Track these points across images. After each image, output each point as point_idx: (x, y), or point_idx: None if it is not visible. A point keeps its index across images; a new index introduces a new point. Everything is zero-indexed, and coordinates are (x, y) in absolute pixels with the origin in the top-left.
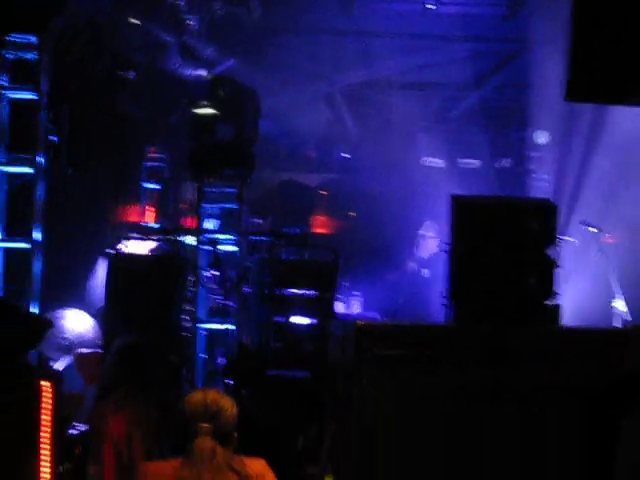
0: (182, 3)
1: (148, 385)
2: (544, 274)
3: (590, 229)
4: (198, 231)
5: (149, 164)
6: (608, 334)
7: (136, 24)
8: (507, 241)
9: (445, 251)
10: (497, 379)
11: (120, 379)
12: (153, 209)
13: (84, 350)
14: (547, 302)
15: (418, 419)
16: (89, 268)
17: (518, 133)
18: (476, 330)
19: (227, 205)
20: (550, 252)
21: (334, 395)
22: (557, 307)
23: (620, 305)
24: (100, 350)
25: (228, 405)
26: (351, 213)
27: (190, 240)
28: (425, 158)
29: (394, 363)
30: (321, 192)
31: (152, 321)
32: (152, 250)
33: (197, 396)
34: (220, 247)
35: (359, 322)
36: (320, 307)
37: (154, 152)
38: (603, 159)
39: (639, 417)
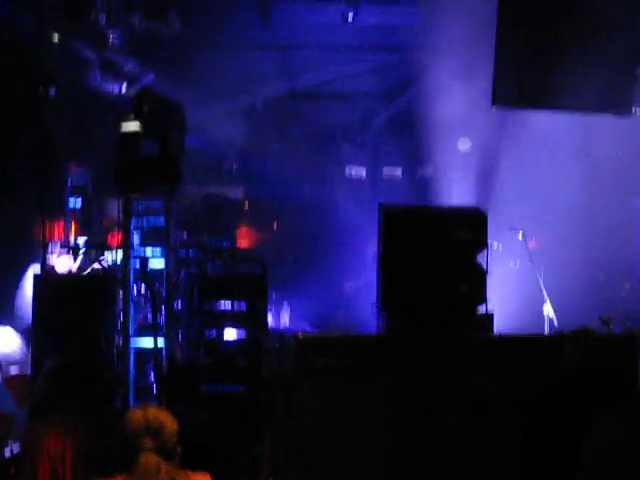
0: (103, 19)
1: (82, 404)
2: (475, 281)
3: (518, 235)
4: (126, 247)
5: (72, 180)
6: (544, 341)
7: (57, 40)
8: (437, 249)
9: (374, 261)
10: (434, 387)
11: (52, 399)
12: (77, 225)
13: (12, 371)
14: (479, 309)
15: (358, 428)
16: (15, 285)
17: (440, 141)
18: (410, 339)
19: (154, 220)
20: (480, 259)
21: (272, 408)
22: (489, 314)
23: (549, 310)
24: (29, 370)
25: (169, 420)
26: (274, 224)
27: (113, 255)
28: (348, 168)
29: (334, 374)
30: (244, 204)
31: (82, 339)
32: (78, 267)
33: (137, 413)
34: (149, 262)
35: (300, 334)
36: (251, 320)
37: (77, 168)
38: (522, 164)
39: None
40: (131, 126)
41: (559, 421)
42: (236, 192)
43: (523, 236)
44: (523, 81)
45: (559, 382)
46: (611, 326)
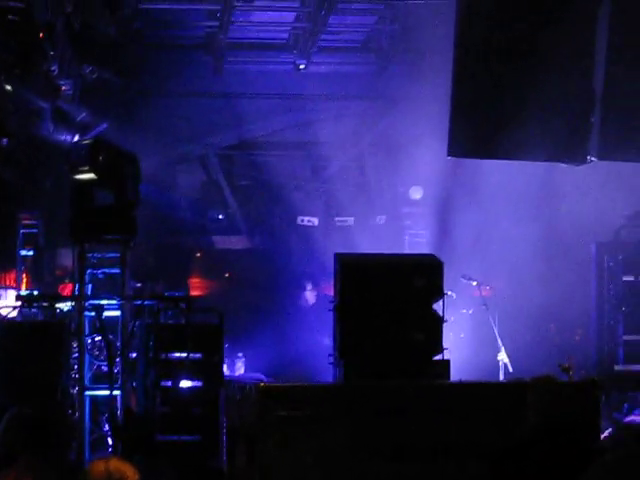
0: (55, 69)
1: (46, 453)
2: (432, 329)
3: (471, 282)
4: (81, 297)
5: (23, 231)
6: (504, 387)
7: (9, 90)
8: (393, 297)
9: (330, 309)
10: (393, 435)
11: (16, 448)
12: (28, 276)
13: None
14: (436, 357)
15: (319, 476)
16: None
17: (392, 189)
18: (368, 387)
19: (109, 270)
20: (436, 307)
21: (232, 457)
22: (446, 362)
23: (504, 357)
24: None
25: (130, 473)
26: (226, 274)
27: (66, 305)
28: (300, 217)
29: (295, 423)
30: (196, 254)
31: (36, 389)
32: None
33: (99, 465)
34: (104, 312)
35: (261, 384)
36: (207, 370)
37: (28, 218)
38: (476, 211)
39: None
40: (86, 176)
41: (522, 470)
42: (188, 241)
43: (477, 284)
44: (478, 131)
45: (522, 430)
46: (571, 373)
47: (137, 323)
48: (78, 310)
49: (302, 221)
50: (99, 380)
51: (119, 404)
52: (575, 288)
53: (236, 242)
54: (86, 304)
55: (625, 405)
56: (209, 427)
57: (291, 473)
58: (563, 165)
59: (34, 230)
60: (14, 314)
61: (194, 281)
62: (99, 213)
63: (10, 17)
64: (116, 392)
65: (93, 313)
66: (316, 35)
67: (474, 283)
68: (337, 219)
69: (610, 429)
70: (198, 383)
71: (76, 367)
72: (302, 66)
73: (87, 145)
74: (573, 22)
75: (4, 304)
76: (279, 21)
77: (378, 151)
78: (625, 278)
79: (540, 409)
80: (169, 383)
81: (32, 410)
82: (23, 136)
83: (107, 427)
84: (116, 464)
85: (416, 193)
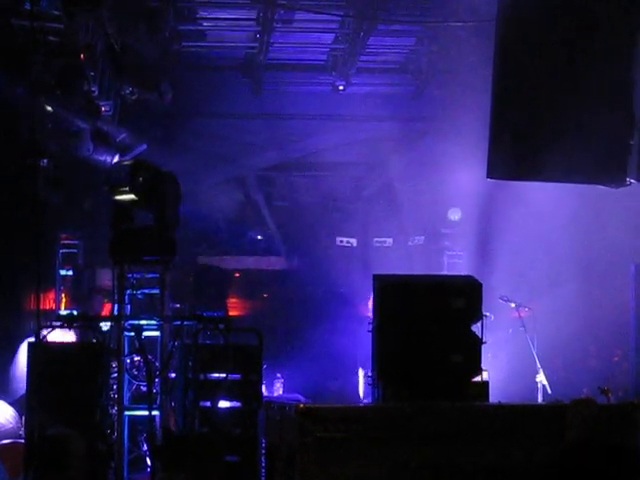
0: (95, 90)
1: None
2: (470, 351)
3: (510, 304)
4: (120, 317)
5: (63, 250)
6: (544, 410)
7: (51, 111)
8: (432, 318)
9: (369, 331)
10: (434, 457)
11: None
12: (67, 296)
13: (5, 441)
14: (474, 378)
15: None
16: (9, 357)
17: (431, 210)
18: (408, 409)
19: (149, 290)
20: (474, 328)
21: (272, 478)
22: (485, 383)
23: (542, 379)
24: (21, 440)
25: None
26: (264, 295)
27: (105, 326)
28: (338, 238)
29: (335, 444)
30: (235, 275)
31: (76, 409)
32: (73, 337)
33: None
34: (143, 333)
35: (301, 405)
36: (245, 390)
37: (68, 238)
38: (514, 233)
39: None
40: (126, 197)
41: None
42: (226, 262)
43: (515, 306)
44: (517, 153)
45: (562, 452)
46: (610, 396)
47: (176, 343)
48: (118, 330)
49: (341, 242)
50: (138, 400)
51: (158, 424)
52: (614, 310)
53: (275, 263)
54: (125, 324)
55: None
56: (248, 447)
57: None
58: (602, 187)
59: (74, 250)
60: (55, 335)
61: (233, 301)
62: (139, 234)
63: (51, 38)
64: (155, 412)
65: (132, 333)
66: (355, 56)
67: (512, 305)
68: (375, 240)
69: None
70: (237, 404)
71: (115, 387)
72: (341, 87)
73: (127, 166)
74: (613, 47)
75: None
76: (318, 42)
77: (417, 172)
78: None
79: (580, 431)
80: (208, 403)
81: (61, 434)
82: (63, 157)
83: (146, 447)
84: None
85: (454, 214)
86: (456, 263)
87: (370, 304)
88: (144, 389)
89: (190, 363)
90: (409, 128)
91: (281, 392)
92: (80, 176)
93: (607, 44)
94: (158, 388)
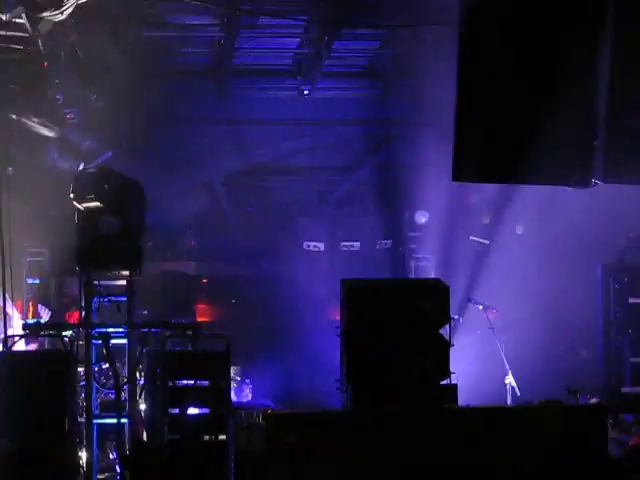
0: (60, 97)
1: None
2: (438, 354)
3: (478, 306)
4: (88, 325)
5: (29, 259)
6: (512, 411)
7: (14, 119)
8: (400, 322)
9: (337, 335)
10: (404, 460)
11: None
12: (35, 304)
13: None
14: (443, 381)
15: None
16: None
17: (398, 214)
18: (376, 413)
19: (116, 298)
20: (442, 331)
21: None
22: (454, 386)
23: (511, 380)
24: None
25: None
26: (233, 300)
27: (73, 334)
28: (305, 242)
29: (304, 450)
30: (202, 280)
31: (42, 418)
32: (37, 346)
33: None
34: (111, 340)
35: (269, 411)
36: (214, 397)
37: (34, 247)
38: (481, 235)
39: None
40: (92, 204)
41: None
42: (194, 268)
43: (483, 308)
44: (482, 156)
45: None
46: (578, 396)
47: (144, 350)
48: (85, 338)
49: (308, 246)
50: (107, 408)
51: (127, 432)
52: (581, 310)
53: (242, 268)
54: (93, 332)
55: (634, 429)
56: (217, 454)
57: None
58: (568, 188)
59: (40, 259)
60: (21, 343)
61: (200, 308)
62: (105, 241)
63: (14, 46)
64: (124, 420)
65: (100, 341)
66: (320, 61)
67: (480, 307)
68: (343, 244)
69: None
70: (206, 410)
71: (83, 395)
72: (306, 92)
73: (92, 173)
74: (575, 47)
75: (12, 332)
76: (283, 47)
77: (384, 175)
78: (631, 300)
79: (548, 432)
80: (177, 410)
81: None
82: (28, 165)
83: (115, 455)
84: None
85: (422, 217)
86: (424, 266)
87: (338, 308)
88: (112, 397)
89: (158, 370)
90: (375, 132)
91: (250, 398)
92: (46, 184)
93: (569, 42)
94: (126, 396)
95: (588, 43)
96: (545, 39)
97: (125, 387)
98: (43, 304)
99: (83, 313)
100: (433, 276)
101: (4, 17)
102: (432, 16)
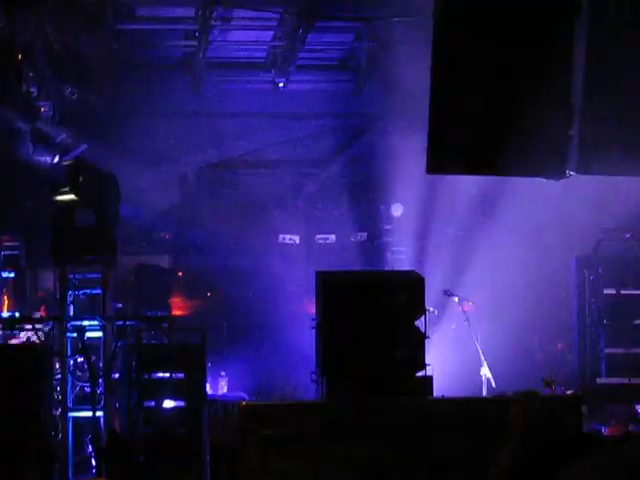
0: (34, 90)
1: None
2: (414, 346)
3: (453, 298)
4: (62, 318)
5: (4, 252)
6: (487, 402)
7: None
8: (375, 314)
9: (313, 327)
10: (378, 452)
11: None
12: (10, 298)
13: None
14: (418, 373)
15: None
16: None
17: (372, 206)
18: (351, 405)
19: (91, 291)
20: (418, 323)
21: (217, 477)
22: (429, 378)
23: (486, 372)
24: None
25: None
26: (208, 293)
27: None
28: (281, 235)
29: (278, 441)
30: (177, 273)
31: (18, 411)
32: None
33: None
34: (86, 333)
35: (243, 403)
36: (189, 389)
37: (9, 240)
38: (456, 227)
39: None
40: (66, 197)
41: None
42: (168, 261)
43: (459, 300)
44: (456, 147)
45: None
46: (553, 387)
47: (119, 343)
48: (60, 331)
49: (283, 239)
50: (82, 401)
51: (102, 425)
52: (557, 302)
53: (217, 261)
54: (68, 325)
55: (612, 420)
56: (193, 446)
57: None
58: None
59: (15, 252)
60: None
61: (176, 301)
62: (80, 234)
63: None
64: (99, 413)
65: (75, 334)
66: (294, 53)
67: (456, 299)
68: (318, 237)
69: None
70: (181, 403)
71: (59, 388)
72: (281, 84)
73: (67, 166)
74: (550, 35)
75: None
76: (257, 40)
77: (358, 168)
78: (606, 291)
79: (523, 423)
80: (152, 403)
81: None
82: (3, 157)
83: (91, 448)
84: None
85: (397, 210)
86: (399, 259)
87: (314, 301)
88: (88, 390)
89: (133, 363)
90: (349, 124)
91: (225, 390)
92: (20, 177)
93: (545, 31)
94: (102, 389)
95: (564, 31)
96: (520, 27)
97: (100, 380)
98: None
99: (58, 306)
100: (408, 268)
101: None
102: (406, 8)
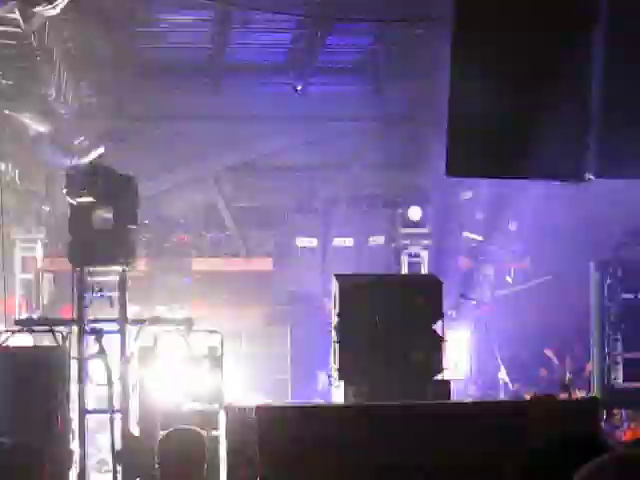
0: (52, 93)
1: None
2: (432, 349)
3: (471, 302)
4: (80, 321)
5: (23, 255)
6: (505, 406)
7: (7, 114)
8: (393, 318)
9: (330, 330)
10: (396, 456)
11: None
12: (28, 300)
13: None
14: (436, 377)
15: None
16: None
17: (390, 210)
18: (369, 409)
19: (109, 293)
20: (436, 327)
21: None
22: (447, 382)
23: (504, 376)
24: None
25: None
26: (225, 296)
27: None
28: (299, 238)
29: (296, 444)
30: (196, 276)
31: (35, 414)
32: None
33: None
34: (104, 336)
35: (260, 405)
36: (207, 391)
37: (27, 242)
38: (473, 230)
39: None
40: (85, 199)
41: None
42: (187, 263)
43: (476, 303)
44: (476, 150)
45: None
46: (571, 390)
47: (137, 345)
48: (78, 333)
49: (301, 242)
50: (99, 403)
51: (120, 427)
52: (575, 305)
53: (235, 264)
54: (86, 327)
55: (625, 424)
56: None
57: None
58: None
59: (33, 254)
60: (14, 339)
61: (194, 303)
62: (98, 236)
63: (7, 41)
64: (116, 415)
65: (93, 336)
66: (313, 56)
67: (473, 302)
68: (336, 240)
69: None
70: (199, 405)
71: (76, 391)
72: (300, 87)
73: (85, 168)
74: (569, 40)
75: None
76: (276, 42)
77: (376, 172)
78: (625, 296)
79: (541, 427)
80: (172, 406)
81: (10, 447)
82: (21, 160)
83: (108, 451)
84: None
85: (415, 214)
86: (416, 262)
87: (331, 304)
88: (105, 393)
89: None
90: (368, 128)
91: (243, 393)
92: (39, 179)
93: (563, 36)
94: (119, 391)
95: (583, 36)
96: (540, 32)
97: (118, 382)
98: None
99: (76, 308)
100: (426, 272)
101: None
102: (426, 11)
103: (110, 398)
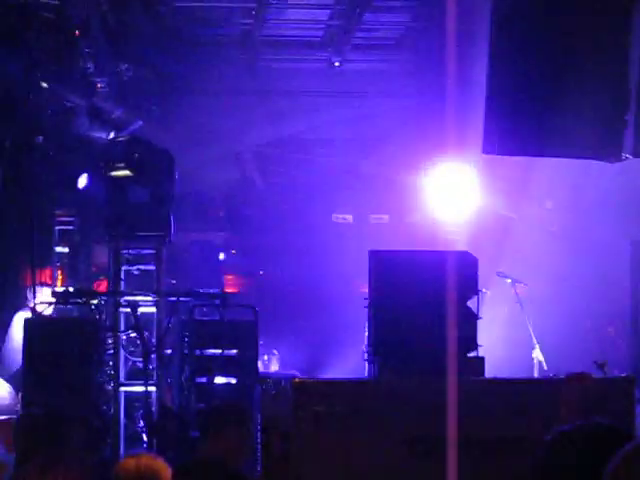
0: (91, 66)
1: (64, 453)
2: (466, 326)
3: (506, 280)
4: (116, 294)
5: (59, 227)
6: (539, 384)
7: (46, 88)
8: (427, 294)
9: (365, 306)
10: (430, 432)
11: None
12: (64, 272)
13: (1, 417)
14: (470, 354)
15: (358, 474)
16: (2, 332)
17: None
18: (402, 383)
19: (145, 266)
20: (471, 304)
21: (269, 451)
22: (481, 359)
23: (538, 355)
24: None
25: (162, 468)
26: (260, 271)
27: (101, 302)
28: (334, 214)
29: (331, 419)
30: (231, 251)
31: (71, 385)
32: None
33: (129, 462)
34: (139, 309)
35: (296, 380)
36: (241, 366)
37: (64, 215)
38: (510, 210)
39: None
40: (121, 173)
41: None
42: (222, 238)
43: (512, 282)
44: (512, 129)
45: (561, 428)
46: (605, 370)
47: (172, 319)
48: (113, 307)
49: (337, 218)
50: (134, 376)
51: (154, 400)
52: (609, 285)
53: (270, 239)
54: (121, 300)
55: None
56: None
57: (324, 468)
58: (599, 162)
59: (70, 227)
60: (50, 311)
61: (229, 278)
62: (134, 210)
63: (45, 14)
64: (151, 388)
65: (128, 309)
66: (350, 33)
67: (509, 280)
68: (372, 216)
69: None
70: (233, 379)
71: (111, 363)
72: (337, 63)
73: (123, 142)
74: (607, 20)
75: (40, 300)
76: (313, 19)
77: (410, 149)
78: None
79: (575, 405)
80: (204, 379)
81: (52, 410)
82: (59, 133)
83: (142, 423)
84: (147, 461)
85: None
86: (452, 239)
87: (366, 280)
88: (140, 365)
89: (186, 339)
90: (405, 105)
91: (277, 368)
92: (76, 153)
93: (601, 16)
94: (154, 364)
95: (620, 16)
96: (577, 11)
97: (153, 356)
98: None
99: (112, 282)
100: (461, 249)
101: None
102: None
103: (146, 371)
